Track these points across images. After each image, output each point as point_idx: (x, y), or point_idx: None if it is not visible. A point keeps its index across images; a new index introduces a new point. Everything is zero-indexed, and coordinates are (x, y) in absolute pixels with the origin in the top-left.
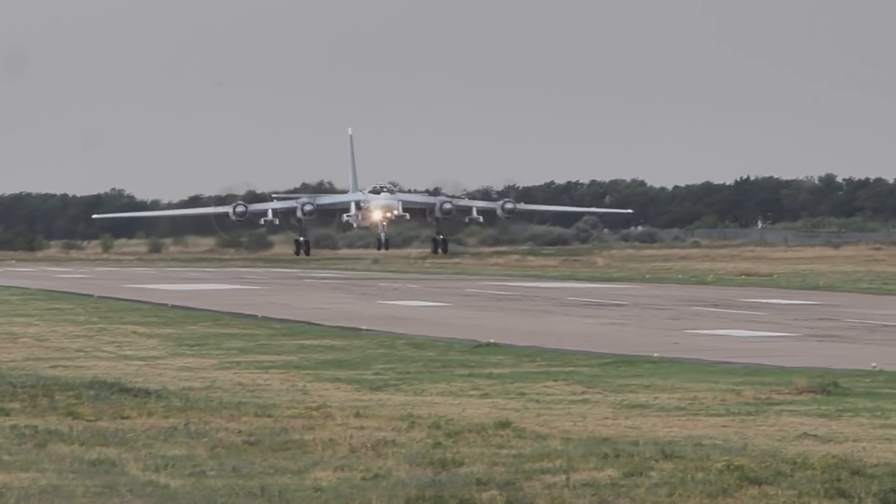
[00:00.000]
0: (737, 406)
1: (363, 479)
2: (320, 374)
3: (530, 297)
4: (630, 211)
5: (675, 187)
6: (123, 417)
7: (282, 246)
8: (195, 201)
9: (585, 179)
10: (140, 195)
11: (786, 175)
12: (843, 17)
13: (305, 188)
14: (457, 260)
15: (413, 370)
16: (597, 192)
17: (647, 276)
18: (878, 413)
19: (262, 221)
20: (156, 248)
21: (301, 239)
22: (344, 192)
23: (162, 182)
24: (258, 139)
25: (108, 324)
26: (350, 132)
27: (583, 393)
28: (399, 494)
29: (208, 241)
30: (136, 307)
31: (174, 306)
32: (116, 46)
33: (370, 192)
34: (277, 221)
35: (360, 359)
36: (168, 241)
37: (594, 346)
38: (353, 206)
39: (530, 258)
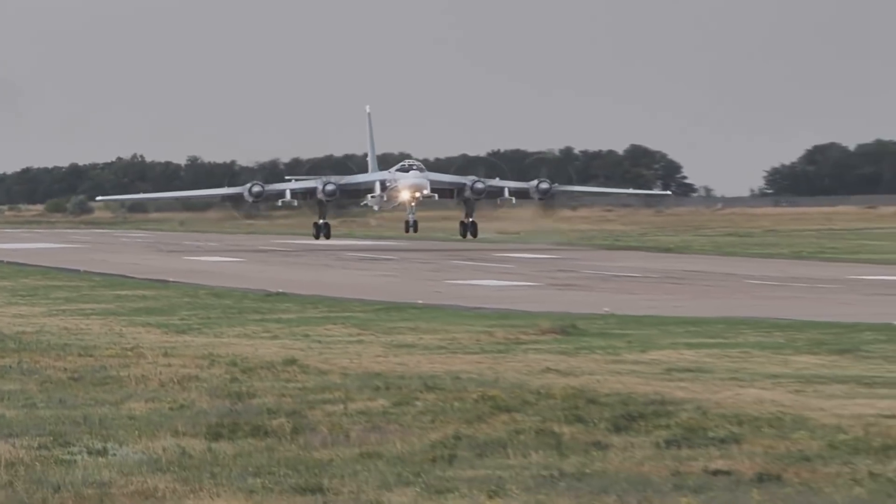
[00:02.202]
0: (490, 345)
1: (171, 409)
2: (134, 320)
3: (313, 253)
4: (669, 193)
5: (437, 159)
6: None
7: (101, 211)
8: (26, 172)
9: (360, 152)
10: None
11: (531, 147)
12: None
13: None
14: (250, 221)
15: (213, 316)
16: (366, 165)
17: (414, 236)
18: (610, 350)
19: (279, 203)
20: None
21: (321, 221)
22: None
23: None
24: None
25: None
26: (368, 110)
27: (358, 334)
28: (201, 422)
29: (38, 207)
30: None
31: (8, 262)
32: None
33: (398, 170)
34: (296, 203)
35: (167, 306)
36: (4, 207)
37: (368, 294)
38: (377, 185)
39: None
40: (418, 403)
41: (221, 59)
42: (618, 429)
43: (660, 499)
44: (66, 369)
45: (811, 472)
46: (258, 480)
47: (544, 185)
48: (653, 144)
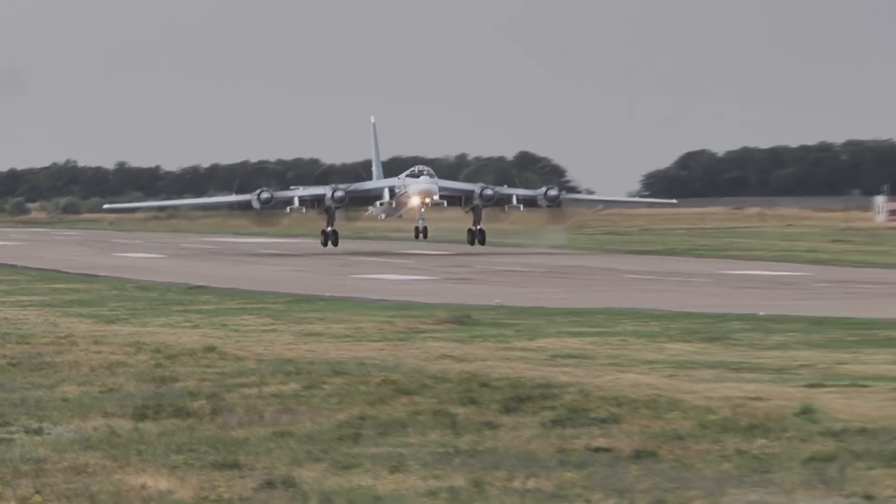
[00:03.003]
0: (391, 334)
1: (100, 392)
2: (67, 311)
3: (230, 250)
4: (675, 201)
5: (343, 164)
6: None
7: (37, 212)
8: None
9: (273, 158)
10: None
11: (429, 154)
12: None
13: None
14: (174, 220)
15: (139, 307)
16: (282, 170)
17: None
18: (501, 338)
19: (287, 209)
20: None
21: (329, 229)
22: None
23: None
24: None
25: None
26: (373, 120)
27: (272, 324)
28: (128, 404)
29: None
30: None
31: None
32: None
33: (407, 175)
34: (304, 210)
35: (98, 299)
36: None
37: (280, 287)
38: (386, 192)
39: (231, 222)
40: (326, 387)
41: (145, 66)
42: (508, 410)
43: (546, 474)
44: (4, 356)
45: (684, 449)
46: (180, 457)
47: (552, 193)
48: (540, 150)
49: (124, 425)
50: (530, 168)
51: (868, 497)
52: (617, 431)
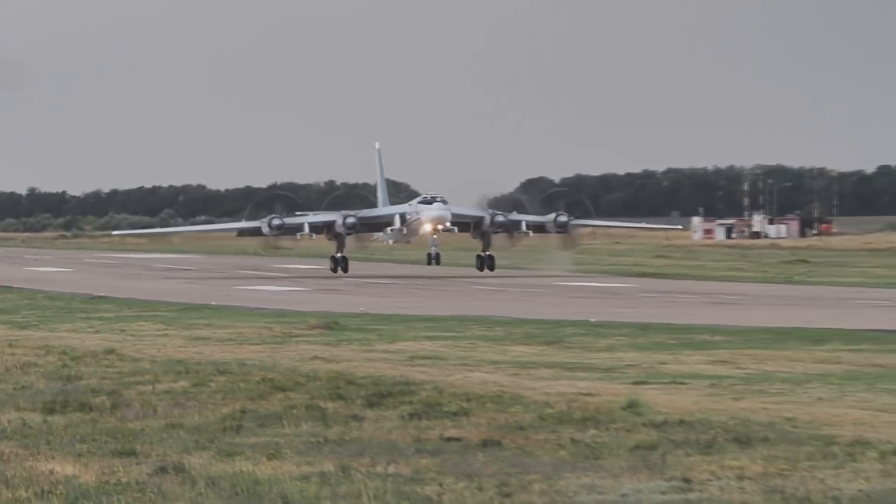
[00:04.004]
0: (269, 338)
1: (14, 389)
2: None
3: (129, 265)
4: (680, 227)
5: (227, 190)
6: None
7: None
8: None
9: (165, 184)
10: None
11: (303, 180)
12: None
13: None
14: (78, 239)
15: (48, 315)
16: (173, 195)
17: (208, 250)
18: (365, 342)
19: (297, 236)
20: None
21: (338, 255)
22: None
23: None
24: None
25: None
26: (377, 146)
27: (164, 329)
28: (39, 399)
29: None
30: None
31: None
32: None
33: (420, 202)
34: (314, 236)
35: (11, 307)
36: None
37: (172, 297)
38: (397, 218)
39: (128, 240)
40: (212, 384)
41: (49, 96)
42: (371, 404)
43: (404, 460)
44: None
45: (525, 438)
46: (84, 446)
47: (562, 219)
48: (400, 177)
49: (35, 418)
50: (391, 192)
51: (686, 480)
52: (467, 423)
